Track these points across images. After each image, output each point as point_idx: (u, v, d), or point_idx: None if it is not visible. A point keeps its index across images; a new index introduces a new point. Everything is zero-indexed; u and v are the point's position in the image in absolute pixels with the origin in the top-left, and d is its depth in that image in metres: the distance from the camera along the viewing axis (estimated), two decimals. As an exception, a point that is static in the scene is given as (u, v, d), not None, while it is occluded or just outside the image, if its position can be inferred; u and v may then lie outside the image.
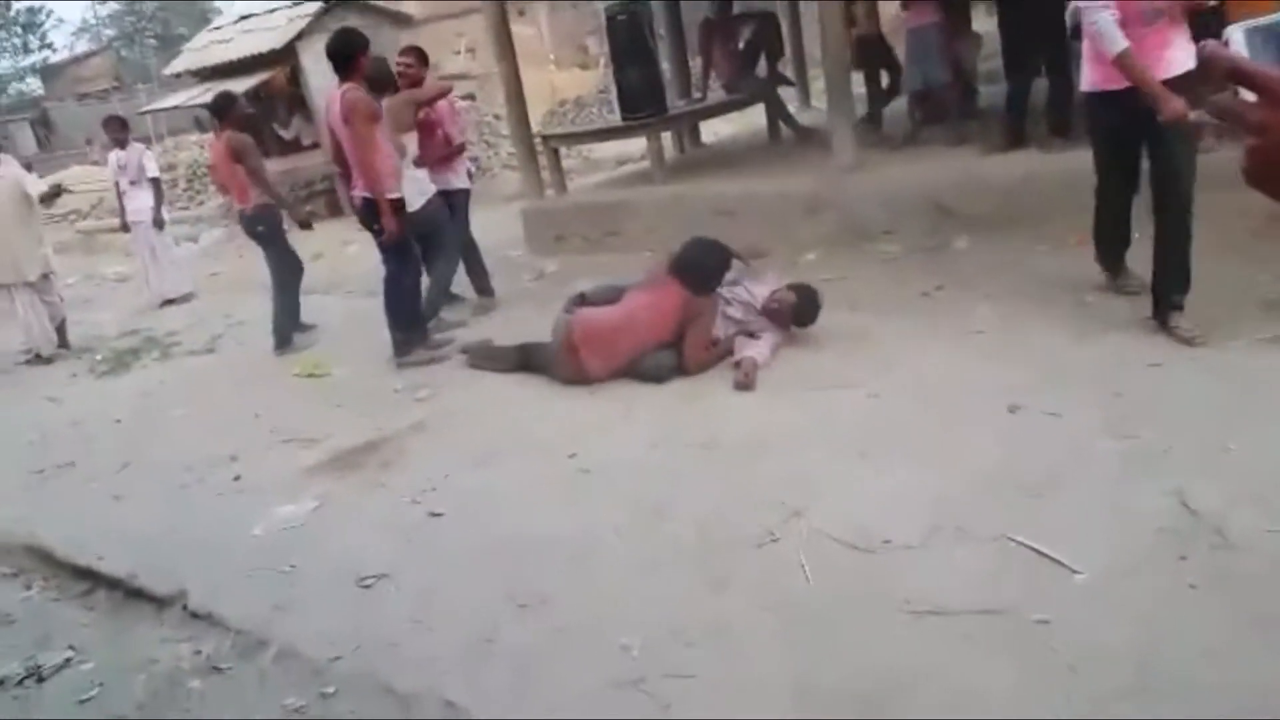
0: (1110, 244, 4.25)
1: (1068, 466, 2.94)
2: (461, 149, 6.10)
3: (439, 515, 3.42)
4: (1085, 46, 3.80)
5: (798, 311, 4.53)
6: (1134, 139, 3.76)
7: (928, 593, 2.44)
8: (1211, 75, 0.70)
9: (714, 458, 3.51)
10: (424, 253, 5.54)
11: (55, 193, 7.25)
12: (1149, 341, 3.74)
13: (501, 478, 3.66)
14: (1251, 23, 2.66)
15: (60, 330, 7.24)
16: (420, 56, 6.10)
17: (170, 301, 8.46)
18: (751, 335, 4.46)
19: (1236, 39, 2.59)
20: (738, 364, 4.25)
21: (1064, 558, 2.47)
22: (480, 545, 3.13)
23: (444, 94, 6.06)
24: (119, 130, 8.37)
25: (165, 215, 8.47)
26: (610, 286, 4.83)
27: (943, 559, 2.59)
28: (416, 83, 5.93)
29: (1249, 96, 0.69)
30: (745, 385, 4.12)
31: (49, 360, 7.02)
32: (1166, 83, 3.45)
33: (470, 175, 6.53)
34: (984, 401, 3.49)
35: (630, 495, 3.31)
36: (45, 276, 7.09)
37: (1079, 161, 5.28)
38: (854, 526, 2.79)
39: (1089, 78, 3.82)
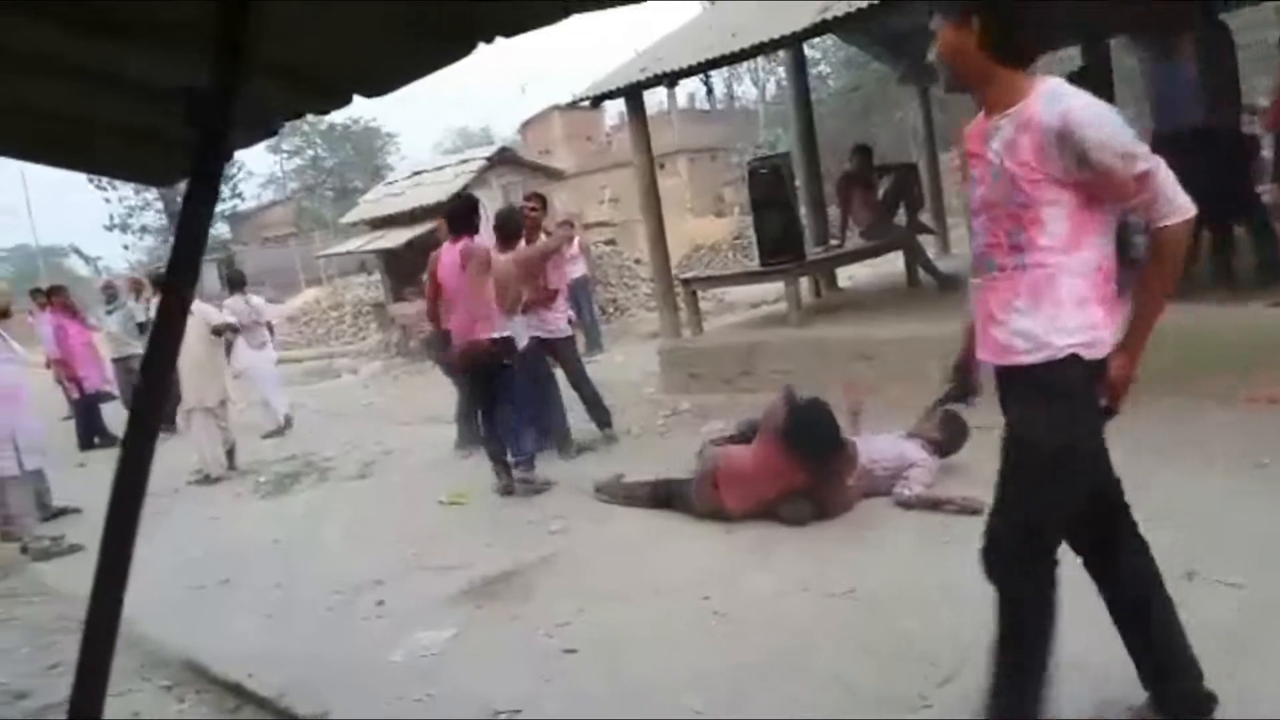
0: None
1: (1253, 642, 2.67)
2: (556, 294, 6.41)
3: (573, 651, 3.40)
4: None
5: (944, 433, 4.55)
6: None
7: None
8: None
9: (856, 609, 3.37)
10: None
11: (228, 328, 7.97)
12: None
13: (634, 615, 3.62)
14: None
15: (230, 454, 7.80)
16: (542, 201, 6.90)
17: (269, 434, 9.17)
18: (902, 476, 4.38)
19: None
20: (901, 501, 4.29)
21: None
22: (614, 686, 3.08)
23: (558, 248, 6.47)
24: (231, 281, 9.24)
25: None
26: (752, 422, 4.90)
27: (1116, 738, 2.36)
28: (537, 224, 6.64)
29: None
30: (910, 503, 4.23)
31: (216, 481, 7.53)
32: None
33: (570, 322, 6.82)
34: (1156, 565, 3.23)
35: (767, 643, 3.20)
36: (222, 403, 7.72)
37: (1247, 316, 5.05)
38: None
39: None
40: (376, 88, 1.67)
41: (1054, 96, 2.05)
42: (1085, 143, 1.99)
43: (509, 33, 1.49)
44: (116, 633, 1.33)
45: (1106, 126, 2.00)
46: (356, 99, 1.69)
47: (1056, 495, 2.18)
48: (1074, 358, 2.08)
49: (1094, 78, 6.80)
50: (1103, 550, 2.37)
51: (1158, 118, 5.70)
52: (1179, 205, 2.04)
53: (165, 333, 1.34)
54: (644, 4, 1.75)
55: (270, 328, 9.60)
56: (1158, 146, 5.96)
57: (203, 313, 7.78)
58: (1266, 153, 8.16)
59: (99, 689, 1.30)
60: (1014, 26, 2.08)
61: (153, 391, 1.39)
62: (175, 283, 1.35)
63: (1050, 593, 2.22)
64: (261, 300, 8.33)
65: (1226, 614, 2.86)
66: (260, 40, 1.31)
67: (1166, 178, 2.03)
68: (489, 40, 1.51)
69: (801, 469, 4.27)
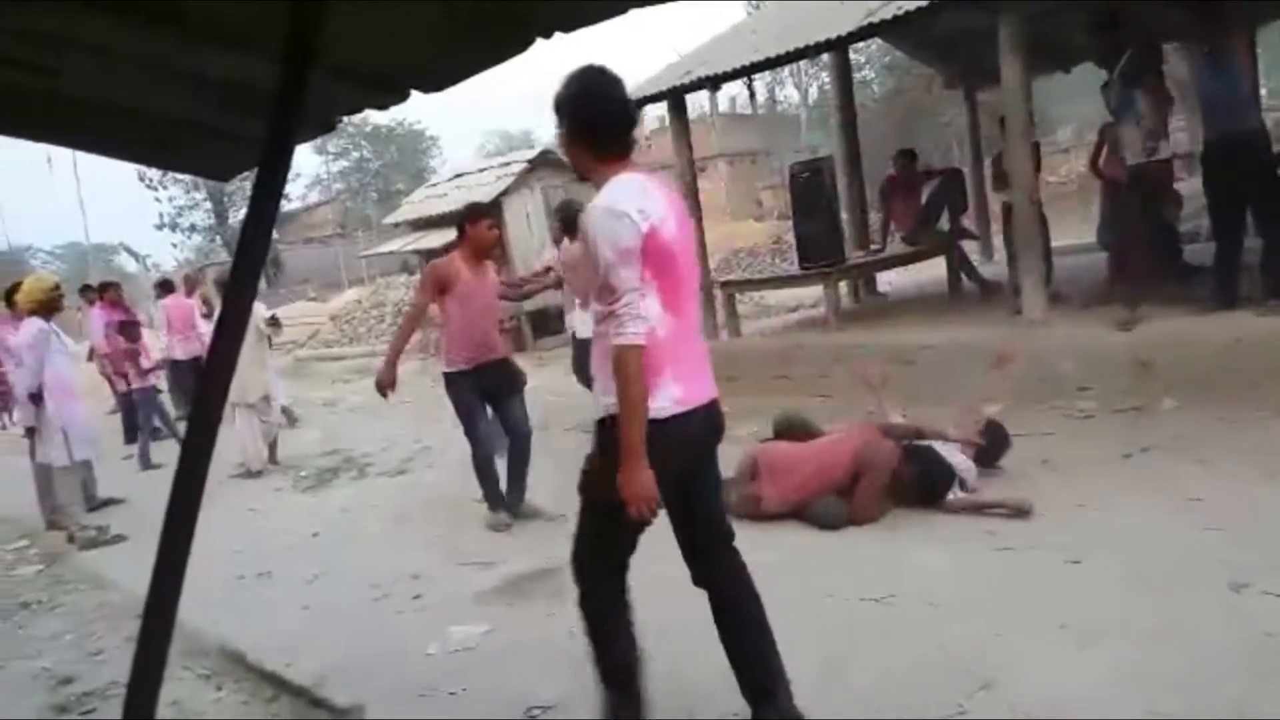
0: None
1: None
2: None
3: (606, 650, 3.38)
4: None
5: (986, 440, 4.56)
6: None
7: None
8: None
9: (892, 614, 3.33)
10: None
11: (274, 322, 8.06)
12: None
13: (667, 616, 3.57)
14: None
15: (271, 448, 7.91)
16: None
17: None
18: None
19: None
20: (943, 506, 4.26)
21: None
22: (648, 686, 3.06)
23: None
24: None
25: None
26: (805, 420, 4.89)
27: (1162, 752, 2.30)
28: (573, 236, 6.58)
29: None
30: (953, 508, 4.19)
31: (258, 475, 7.64)
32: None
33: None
34: (1202, 576, 3.15)
35: (801, 647, 3.16)
36: (265, 399, 7.83)
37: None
38: (1057, 706, 2.54)
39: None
40: (434, 83, 1.68)
41: (601, 192, 2.37)
42: (592, 236, 2.32)
43: (566, 28, 1.49)
44: (174, 620, 1.34)
45: (607, 226, 2.29)
46: (413, 95, 1.70)
47: (599, 529, 2.59)
48: (613, 419, 2.37)
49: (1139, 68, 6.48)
50: (701, 572, 2.72)
51: (1213, 122, 5.56)
52: (627, 332, 2.28)
53: (231, 326, 1.35)
54: (693, 3, 1.74)
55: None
56: (1216, 151, 5.83)
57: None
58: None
59: (155, 678, 1.32)
60: (595, 125, 2.42)
61: (216, 384, 1.40)
62: (241, 278, 1.36)
63: (613, 607, 2.70)
64: (261, 305, 8.35)
65: (1273, 627, 2.78)
66: (326, 40, 1.32)
67: (630, 304, 2.28)
68: (547, 36, 1.51)
69: (864, 436, 4.31)
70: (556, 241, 7.28)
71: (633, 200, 2.31)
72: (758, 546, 4.16)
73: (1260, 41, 6.76)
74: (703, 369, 2.51)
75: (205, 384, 1.52)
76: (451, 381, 5.18)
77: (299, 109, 1.28)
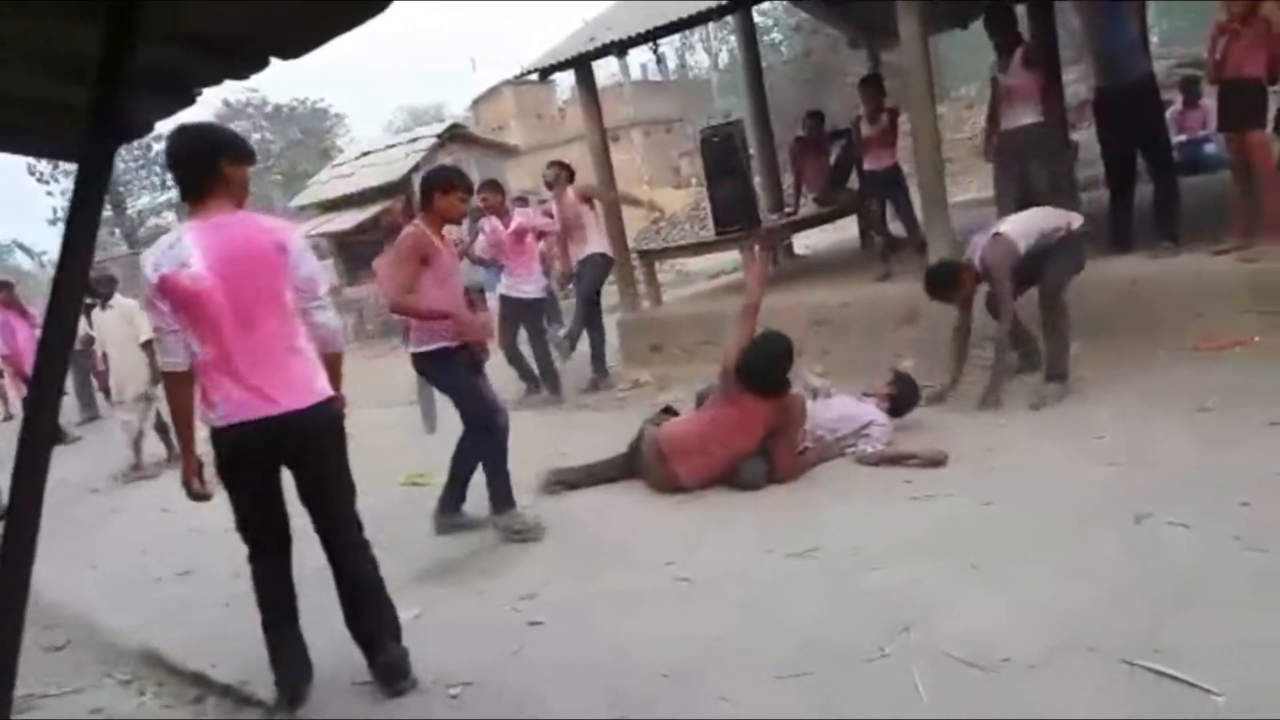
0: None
1: (1201, 581, 2.74)
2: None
3: (539, 623, 3.39)
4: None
5: (898, 392, 4.70)
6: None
7: (1054, 716, 2.26)
8: None
9: (816, 567, 3.40)
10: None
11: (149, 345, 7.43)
12: (1278, 450, 3.51)
13: (601, 585, 3.62)
14: None
15: (166, 440, 7.55)
16: (497, 188, 7.33)
17: None
18: (861, 435, 4.46)
19: None
20: (862, 458, 4.39)
21: (1200, 679, 2.27)
22: (580, 654, 3.08)
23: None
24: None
25: None
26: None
27: (1069, 679, 2.41)
28: (497, 211, 7.19)
29: None
30: (870, 461, 4.33)
31: (155, 476, 7.40)
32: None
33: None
34: (1106, 510, 3.30)
35: (730, 605, 3.22)
36: (145, 397, 7.48)
37: (1193, 265, 5.15)
38: (970, 642, 2.64)
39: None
40: (292, 50, 1.62)
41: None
42: None
43: None
44: (21, 630, 1.28)
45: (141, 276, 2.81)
46: (275, 63, 1.64)
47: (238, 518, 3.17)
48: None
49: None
50: (330, 556, 3.29)
51: (1107, 72, 5.74)
52: (160, 359, 2.95)
53: (60, 319, 1.27)
54: None
55: None
56: (1107, 98, 5.99)
57: (126, 308, 7.51)
58: (1209, 101, 8.30)
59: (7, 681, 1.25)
60: (176, 177, 2.92)
61: (46, 394, 1.32)
62: (68, 273, 1.27)
63: (270, 579, 3.31)
64: (135, 303, 7.81)
65: (1175, 555, 2.93)
66: (160, 8, 1.25)
67: (159, 339, 2.89)
68: None
69: (759, 398, 4.30)
70: (495, 214, 7.29)
71: (154, 253, 2.78)
72: (682, 510, 4.25)
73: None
74: (261, 389, 2.84)
75: (34, 392, 1.43)
76: (438, 360, 4.48)
77: (121, 84, 1.21)
